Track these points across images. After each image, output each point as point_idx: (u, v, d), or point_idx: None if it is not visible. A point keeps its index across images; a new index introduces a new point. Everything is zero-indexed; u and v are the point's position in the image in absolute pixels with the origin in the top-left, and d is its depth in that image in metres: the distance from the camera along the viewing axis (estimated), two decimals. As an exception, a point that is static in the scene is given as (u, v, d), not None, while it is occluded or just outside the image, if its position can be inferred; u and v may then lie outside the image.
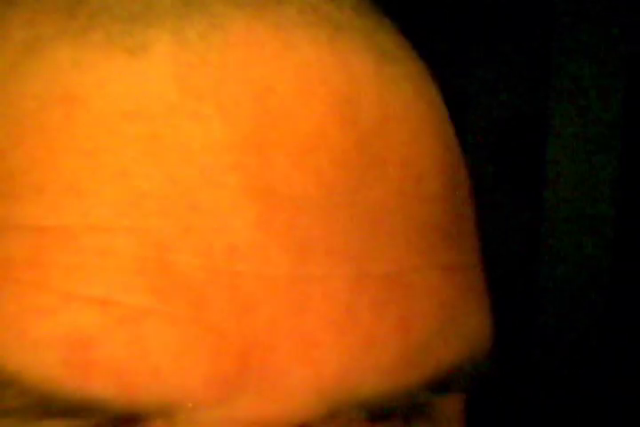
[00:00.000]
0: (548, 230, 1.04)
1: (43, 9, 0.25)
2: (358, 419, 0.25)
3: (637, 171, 0.97)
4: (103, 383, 0.22)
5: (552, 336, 1.03)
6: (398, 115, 0.26)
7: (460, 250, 0.27)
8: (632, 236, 0.99)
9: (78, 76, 0.24)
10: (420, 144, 0.26)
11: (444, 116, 0.28)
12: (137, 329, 0.22)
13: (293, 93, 0.24)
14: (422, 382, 0.25)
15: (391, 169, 0.25)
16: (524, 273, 1.07)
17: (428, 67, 0.29)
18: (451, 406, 0.28)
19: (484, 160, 1.10)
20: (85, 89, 0.23)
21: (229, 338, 0.23)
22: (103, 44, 0.24)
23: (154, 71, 0.23)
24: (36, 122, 0.23)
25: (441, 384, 0.25)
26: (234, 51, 0.24)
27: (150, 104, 0.23)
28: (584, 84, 1.06)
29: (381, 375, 0.24)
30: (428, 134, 0.26)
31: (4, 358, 0.22)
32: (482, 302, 0.27)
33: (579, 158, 1.05)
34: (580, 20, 1.06)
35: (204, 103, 0.23)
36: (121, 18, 0.24)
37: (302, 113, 0.24)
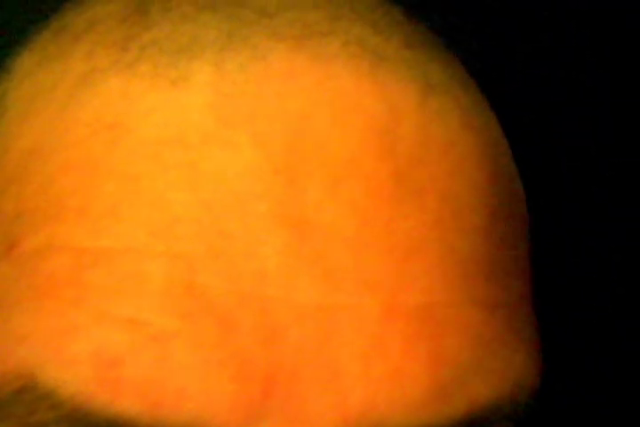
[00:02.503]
0: None
1: (100, 42, 0.26)
2: None
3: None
4: (130, 401, 0.23)
5: None
6: (440, 146, 0.26)
7: (502, 286, 0.26)
8: None
9: (125, 105, 0.25)
10: (463, 176, 0.26)
11: (498, 147, 0.28)
12: (164, 350, 0.23)
13: (328, 123, 0.24)
14: (453, 420, 0.24)
15: (429, 200, 0.25)
16: None
17: (484, 99, 0.29)
18: None
19: None
20: (130, 117, 0.24)
21: (255, 363, 0.23)
22: (150, 75, 0.25)
23: (193, 101, 0.24)
24: (84, 148, 0.25)
25: (475, 423, 0.25)
26: (271, 81, 0.25)
27: (188, 132, 0.24)
28: None
29: (409, 410, 0.24)
30: (472, 167, 0.26)
31: (42, 371, 0.23)
32: (527, 340, 0.27)
33: None
34: None
35: (237, 132, 0.24)
36: (168, 50, 0.25)
37: (337, 142, 0.24)
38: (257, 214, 0.23)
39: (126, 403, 0.23)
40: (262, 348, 0.23)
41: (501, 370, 0.25)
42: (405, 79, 0.26)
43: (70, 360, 0.23)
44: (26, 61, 0.28)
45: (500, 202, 0.27)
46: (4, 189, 0.26)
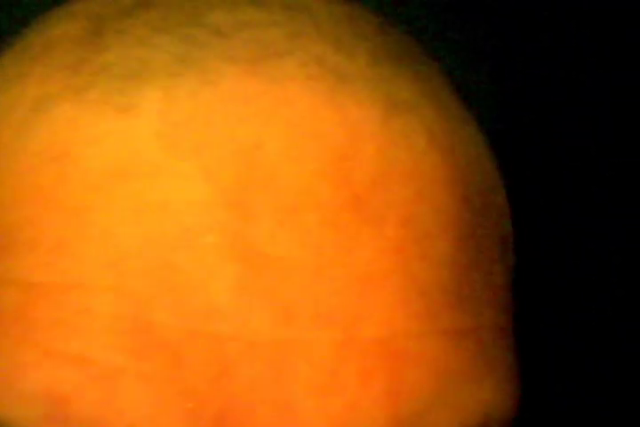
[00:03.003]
0: None
1: (55, 65, 0.26)
2: None
3: None
4: None
5: None
6: (403, 170, 0.25)
7: (472, 314, 0.25)
8: None
9: (73, 134, 0.24)
10: (427, 201, 0.25)
11: (473, 165, 0.27)
12: (113, 387, 0.22)
13: (282, 150, 0.23)
14: None
15: (389, 228, 0.24)
16: None
17: (462, 113, 0.28)
18: None
19: None
20: (78, 147, 0.24)
21: (207, 400, 0.22)
22: (98, 102, 0.24)
23: (140, 130, 0.24)
24: (33, 179, 0.24)
25: None
26: (222, 107, 0.24)
27: (135, 163, 0.23)
28: None
29: None
30: (438, 190, 0.25)
31: None
32: (500, 369, 0.26)
33: None
34: None
35: (185, 162, 0.23)
36: (118, 76, 0.24)
37: (290, 171, 0.23)
38: (206, 248, 0.23)
39: None
40: (214, 384, 0.22)
41: (467, 403, 0.24)
42: (367, 100, 0.25)
43: (20, 398, 0.23)
44: None
45: (472, 225, 0.26)
46: None
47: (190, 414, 0.22)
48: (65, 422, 0.23)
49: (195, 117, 0.24)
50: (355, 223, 0.24)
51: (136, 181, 0.23)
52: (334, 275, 0.23)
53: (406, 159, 0.25)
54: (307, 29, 0.26)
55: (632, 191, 0.48)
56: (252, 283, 0.23)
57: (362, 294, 0.23)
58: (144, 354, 0.22)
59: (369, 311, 0.23)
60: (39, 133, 0.24)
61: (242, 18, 0.26)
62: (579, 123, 0.48)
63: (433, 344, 0.24)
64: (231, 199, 0.23)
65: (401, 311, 0.24)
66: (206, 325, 0.23)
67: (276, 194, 0.23)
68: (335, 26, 0.27)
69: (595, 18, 0.47)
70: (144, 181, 0.23)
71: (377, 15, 0.30)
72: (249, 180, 0.23)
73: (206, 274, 0.23)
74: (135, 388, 0.22)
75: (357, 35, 0.27)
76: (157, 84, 0.24)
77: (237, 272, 0.23)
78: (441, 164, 0.26)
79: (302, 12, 0.26)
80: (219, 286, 0.23)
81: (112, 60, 0.25)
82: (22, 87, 0.26)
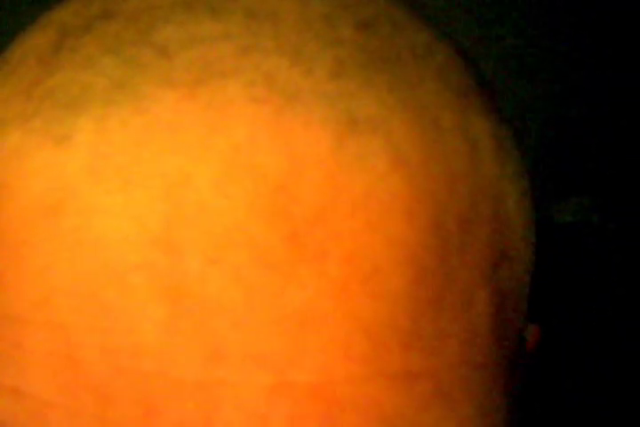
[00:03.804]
0: None
1: (16, 86, 0.25)
2: None
3: None
4: None
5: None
6: (353, 199, 0.23)
7: (432, 351, 0.23)
8: None
9: (16, 164, 0.24)
10: (382, 231, 0.23)
11: (454, 184, 0.25)
12: (44, 421, 0.23)
13: (212, 185, 0.22)
14: None
15: (332, 265, 0.22)
16: None
17: (453, 123, 0.25)
18: None
19: None
20: (17, 179, 0.24)
21: None
22: (40, 132, 0.24)
23: (72, 163, 0.23)
24: None
25: None
26: (152, 139, 0.23)
27: (68, 199, 0.23)
28: None
29: None
30: (398, 217, 0.23)
31: None
32: (468, 407, 0.24)
33: None
34: None
35: (114, 198, 0.23)
36: (60, 103, 0.24)
37: (220, 207, 0.22)
38: (135, 286, 0.22)
39: None
40: (141, 423, 0.22)
41: None
42: (318, 121, 0.23)
43: None
44: None
45: (440, 253, 0.24)
46: None
47: None
48: None
49: (124, 150, 0.23)
50: (291, 261, 0.22)
51: (69, 218, 0.23)
52: (266, 316, 0.22)
53: (358, 187, 0.23)
54: (263, 40, 0.24)
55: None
56: (181, 322, 0.22)
57: (296, 336, 0.22)
58: (73, 391, 0.22)
59: (303, 354, 0.22)
60: None
61: (193, 31, 0.24)
62: None
63: (377, 389, 0.23)
64: (159, 237, 0.22)
65: (340, 354, 0.22)
66: (134, 363, 0.22)
67: (206, 231, 0.22)
68: (300, 33, 0.25)
69: None
70: (77, 218, 0.23)
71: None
72: (177, 217, 0.22)
73: (134, 312, 0.22)
74: (65, 423, 0.23)
75: (327, 41, 0.25)
76: (92, 114, 0.23)
77: (165, 311, 0.22)
78: (403, 188, 0.23)
79: (266, 18, 0.25)
80: (146, 324, 0.22)
81: (59, 84, 0.24)
82: None
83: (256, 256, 0.22)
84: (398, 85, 0.25)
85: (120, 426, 0.22)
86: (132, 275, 0.22)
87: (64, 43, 0.26)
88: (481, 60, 1.47)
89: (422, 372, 0.23)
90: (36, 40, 0.26)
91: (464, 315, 0.24)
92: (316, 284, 0.22)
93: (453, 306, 0.24)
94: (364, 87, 0.24)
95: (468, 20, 1.45)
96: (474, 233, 0.25)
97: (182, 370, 0.22)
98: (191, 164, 0.22)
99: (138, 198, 0.22)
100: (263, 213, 0.22)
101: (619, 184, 1.14)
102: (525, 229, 0.27)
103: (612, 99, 1.34)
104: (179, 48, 0.24)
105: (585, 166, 1.32)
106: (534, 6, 1.33)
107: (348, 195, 0.23)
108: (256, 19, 0.25)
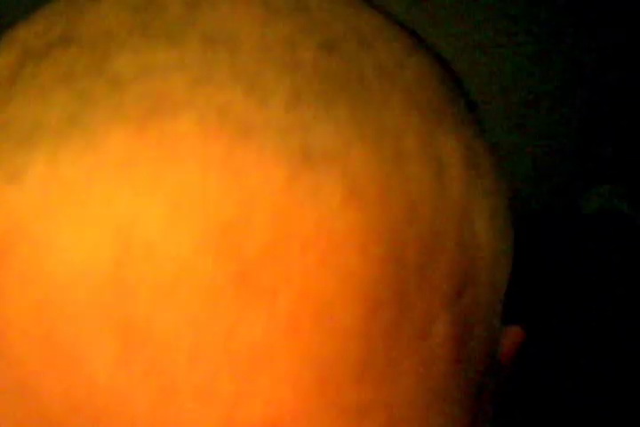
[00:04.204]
0: None
1: None
2: None
3: None
4: None
5: None
6: (305, 235, 0.23)
7: (385, 385, 0.23)
8: None
9: None
10: (334, 267, 0.23)
11: (425, 206, 0.24)
12: None
13: (160, 224, 0.22)
14: None
15: (282, 302, 0.22)
16: None
17: (418, 149, 0.25)
18: None
19: None
20: None
21: None
22: None
23: (23, 202, 0.23)
24: None
25: None
26: (102, 176, 0.23)
27: (18, 238, 0.23)
28: None
29: None
30: (350, 253, 0.23)
31: None
32: None
33: None
34: None
35: (65, 237, 0.23)
36: (13, 137, 0.24)
37: (167, 247, 0.22)
38: (86, 324, 0.22)
39: None
40: None
41: None
42: (271, 156, 0.23)
43: None
44: None
45: (397, 284, 0.23)
46: None
47: None
48: None
49: (73, 189, 0.23)
50: (240, 300, 0.22)
51: (20, 255, 0.23)
52: (216, 353, 0.22)
53: (310, 223, 0.23)
54: (218, 70, 0.24)
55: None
56: (132, 359, 0.22)
57: (246, 372, 0.22)
58: (29, 423, 0.23)
59: (254, 391, 0.22)
60: None
61: (147, 61, 0.24)
62: None
63: (328, 422, 0.23)
64: (109, 275, 0.22)
65: (289, 389, 0.22)
66: (88, 398, 0.22)
67: (154, 271, 0.22)
68: (258, 59, 0.24)
69: None
70: (28, 255, 0.23)
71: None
72: (126, 256, 0.22)
73: (86, 349, 0.22)
74: None
75: (285, 66, 0.24)
76: (43, 150, 0.23)
77: (116, 348, 0.22)
78: (358, 221, 0.23)
79: (223, 45, 0.24)
80: (98, 361, 0.22)
81: (13, 116, 0.24)
82: None
83: (204, 296, 0.22)
84: (359, 112, 0.24)
85: None
86: (84, 312, 0.22)
87: (23, 69, 0.25)
88: (519, 44, 1.46)
89: (375, 404, 0.23)
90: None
91: (421, 344, 0.24)
92: (265, 322, 0.22)
93: (409, 336, 0.24)
94: (322, 117, 0.24)
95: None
96: (434, 261, 0.24)
97: (133, 407, 0.22)
98: (140, 203, 0.22)
99: (88, 238, 0.22)
100: (211, 252, 0.22)
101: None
102: (497, 249, 0.27)
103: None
104: (131, 79, 0.24)
105: (617, 153, 1.31)
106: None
107: (298, 231, 0.23)
108: (213, 45, 0.24)
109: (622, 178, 1.34)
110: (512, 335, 0.31)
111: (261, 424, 0.22)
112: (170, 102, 0.23)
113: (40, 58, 0.25)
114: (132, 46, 0.24)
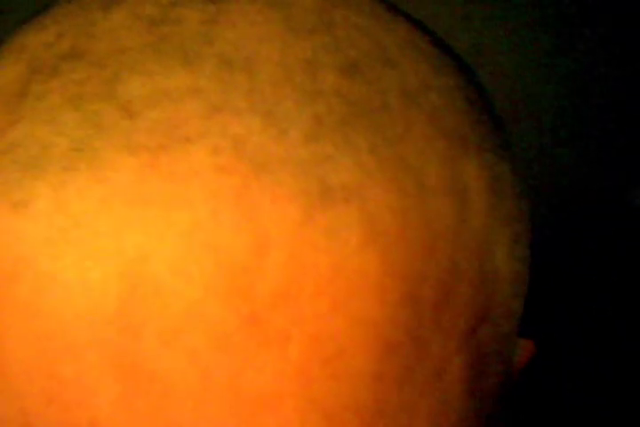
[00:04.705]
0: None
1: None
2: None
3: None
4: None
5: None
6: (319, 279, 0.22)
7: (399, 426, 0.23)
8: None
9: None
10: (346, 313, 0.22)
11: (430, 254, 0.23)
12: None
13: (170, 264, 0.21)
14: None
15: (293, 347, 0.22)
16: None
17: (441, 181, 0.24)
18: None
19: None
20: None
21: None
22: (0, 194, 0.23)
23: (28, 233, 0.22)
24: None
25: None
26: (110, 212, 0.22)
27: (22, 270, 0.22)
28: None
29: None
30: (365, 297, 0.22)
31: None
32: None
33: None
34: None
35: (70, 274, 0.22)
36: (17, 164, 0.23)
37: (177, 287, 0.21)
38: (89, 363, 0.22)
39: None
40: None
41: None
42: (287, 193, 0.22)
43: None
44: None
45: (412, 327, 0.23)
46: None
47: None
48: None
49: (81, 223, 0.22)
50: (249, 345, 0.22)
51: (24, 287, 0.22)
52: (222, 397, 0.22)
53: (325, 265, 0.22)
54: (235, 98, 0.23)
55: None
56: (135, 399, 0.22)
57: (252, 418, 0.22)
58: None
59: None
60: None
61: (160, 85, 0.23)
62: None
63: None
64: (114, 315, 0.22)
65: None
66: None
67: (161, 312, 0.21)
68: (277, 85, 0.23)
69: None
70: (32, 288, 0.22)
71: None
72: (133, 296, 0.22)
73: (89, 389, 0.22)
74: None
75: (306, 93, 0.23)
76: (49, 180, 0.22)
77: (120, 388, 0.22)
78: (375, 262, 0.22)
79: (241, 69, 0.23)
80: (100, 401, 0.22)
81: (20, 138, 0.23)
82: None
83: (212, 338, 0.22)
84: (380, 141, 0.23)
85: None
86: (88, 351, 0.22)
87: (31, 86, 0.24)
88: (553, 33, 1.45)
89: None
90: (5, 74, 0.25)
91: (435, 385, 0.24)
92: (274, 367, 0.22)
93: (424, 378, 0.23)
94: (342, 149, 0.23)
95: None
96: (452, 299, 0.24)
97: None
98: (149, 241, 0.22)
99: (93, 275, 0.22)
100: (221, 294, 0.22)
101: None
102: (516, 278, 0.26)
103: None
104: (143, 106, 0.23)
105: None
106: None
107: (313, 274, 0.22)
108: (230, 68, 0.23)
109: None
110: (524, 350, 0.30)
111: None
112: (183, 132, 0.22)
113: (49, 74, 0.24)
114: (145, 67, 0.23)
